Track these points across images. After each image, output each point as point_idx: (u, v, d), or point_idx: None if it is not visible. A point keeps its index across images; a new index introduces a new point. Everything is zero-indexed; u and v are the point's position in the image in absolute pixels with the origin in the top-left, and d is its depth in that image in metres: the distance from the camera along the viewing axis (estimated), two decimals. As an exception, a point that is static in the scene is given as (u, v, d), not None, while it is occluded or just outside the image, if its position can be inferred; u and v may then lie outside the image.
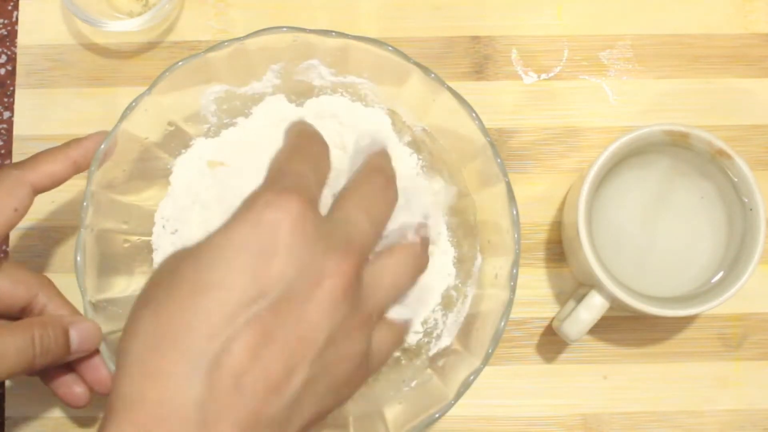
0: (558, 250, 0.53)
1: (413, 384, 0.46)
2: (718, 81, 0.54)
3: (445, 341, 0.46)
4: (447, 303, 0.47)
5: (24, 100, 0.53)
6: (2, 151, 0.54)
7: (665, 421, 0.52)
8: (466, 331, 0.45)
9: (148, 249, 0.48)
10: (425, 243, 0.36)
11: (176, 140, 0.48)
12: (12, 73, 0.54)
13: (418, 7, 0.55)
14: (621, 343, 0.52)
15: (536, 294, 0.52)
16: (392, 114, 0.49)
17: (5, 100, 0.54)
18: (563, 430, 0.51)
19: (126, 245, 0.47)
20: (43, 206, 0.52)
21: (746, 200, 0.47)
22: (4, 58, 0.55)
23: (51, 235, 0.52)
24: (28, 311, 0.43)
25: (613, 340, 0.52)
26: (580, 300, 0.47)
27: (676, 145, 0.47)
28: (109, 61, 0.54)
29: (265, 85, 0.48)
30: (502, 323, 0.42)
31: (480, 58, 0.54)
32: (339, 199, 0.34)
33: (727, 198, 0.48)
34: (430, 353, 0.46)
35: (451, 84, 0.44)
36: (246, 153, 0.48)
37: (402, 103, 0.47)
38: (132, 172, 0.46)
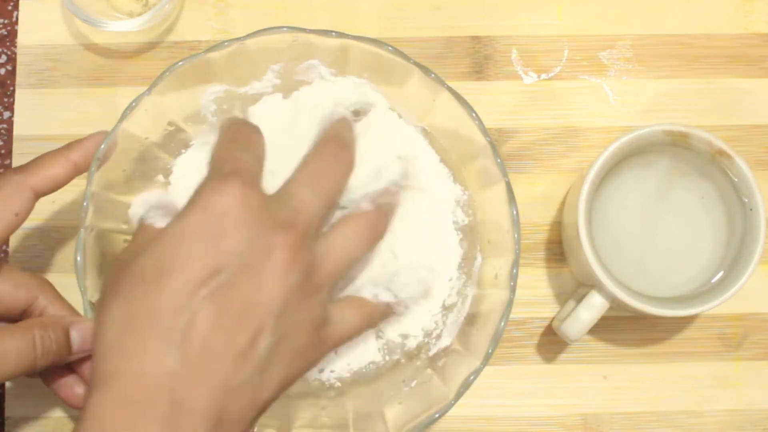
0: (558, 250, 0.53)
1: (413, 384, 0.46)
2: (718, 81, 0.54)
3: (445, 341, 0.46)
4: (447, 303, 0.47)
5: (24, 100, 0.53)
6: (2, 151, 0.54)
7: (665, 421, 0.52)
8: (466, 331, 0.45)
9: (148, 249, 0.48)
10: (382, 210, 0.38)
11: (176, 140, 0.47)
12: (12, 73, 0.54)
13: (418, 7, 0.55)
14: (621, 343, 0.52)
15: (536, 294, 0.52)
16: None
17: (5, 100, 0.54)
18: (563, 430, 0.51)
19: (126, 245, 0.47)
20: (43, 206, 0.51)
21: (746, 200, 0.47)
22: (4, 58, 0.55)
23: (51, 236, 0.52)
24: (29, 314, 0.43)
25: (613, 340, 0.52)
26: (580, 300, 0.47)
27: (676, 145, 0.47)
28: (109, 61, 0.54)
29: (265, 85, 0.48)
30: (502, 323, 0.42)
31: (480, 58, 0.54)
32: (290, 176, 0.36)
33: (727, 198, 0.48)
34: (430, 353, 0.46)
35: (451, 84, 0.44)
36: None
37: (402, 103, 0.47)
38: (132, 172, 0.46)
